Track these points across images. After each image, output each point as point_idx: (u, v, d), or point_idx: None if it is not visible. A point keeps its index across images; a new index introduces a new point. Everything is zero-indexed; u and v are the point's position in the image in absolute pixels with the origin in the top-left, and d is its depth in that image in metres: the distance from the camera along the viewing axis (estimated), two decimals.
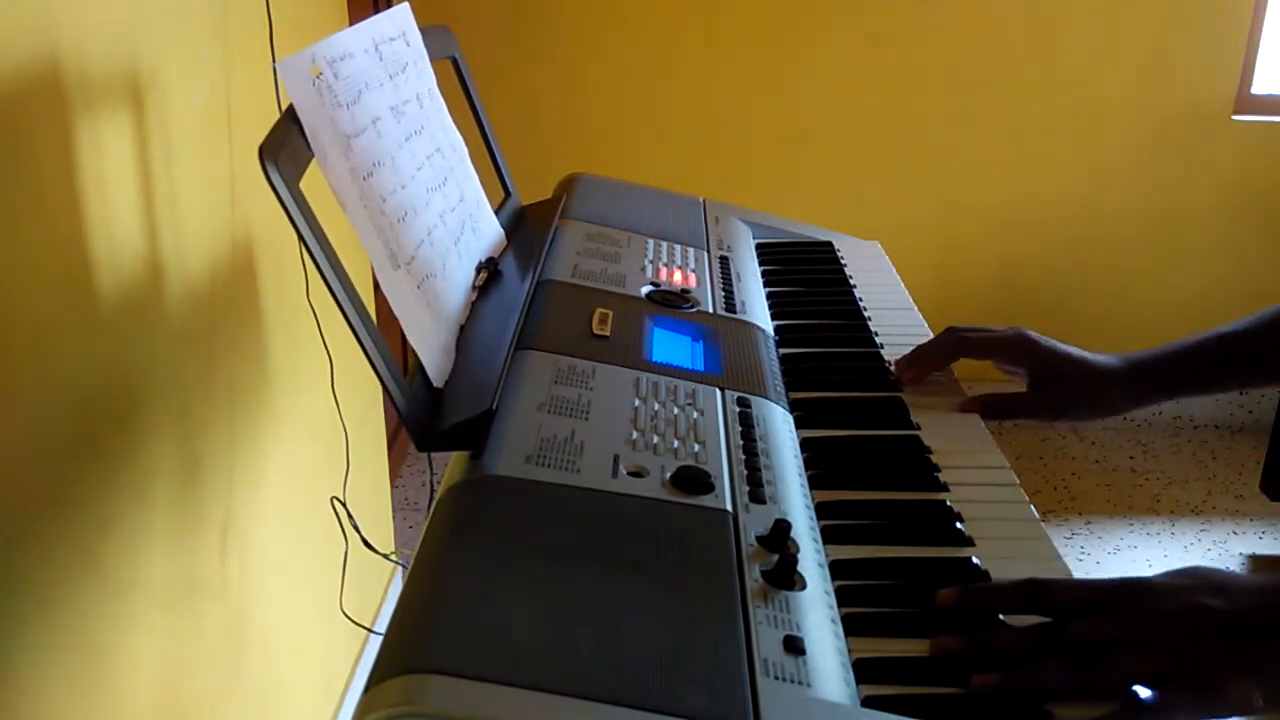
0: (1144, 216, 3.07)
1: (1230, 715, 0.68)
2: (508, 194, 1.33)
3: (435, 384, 0.87)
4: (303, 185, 0.79)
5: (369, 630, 1.98)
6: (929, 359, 1.08)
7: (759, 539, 0.76)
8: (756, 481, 0.83)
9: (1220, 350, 1.04)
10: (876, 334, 1.19)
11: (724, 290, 1.20)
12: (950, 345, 1.08)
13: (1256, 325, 1.04)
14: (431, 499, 0.93)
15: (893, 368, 1.10)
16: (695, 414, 0.90)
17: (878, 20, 2.88)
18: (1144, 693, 0.68)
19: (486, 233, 1.16)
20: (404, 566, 2.11)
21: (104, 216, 1.09)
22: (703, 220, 1.42)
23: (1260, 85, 2.99)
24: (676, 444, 0.85)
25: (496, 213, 1.22)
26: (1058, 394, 1.05)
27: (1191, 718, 0.68)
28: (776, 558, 0.73)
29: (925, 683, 0.69)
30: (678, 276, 1.20)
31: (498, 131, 1.33)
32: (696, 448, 0.85)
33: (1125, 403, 1.05)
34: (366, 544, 1.70)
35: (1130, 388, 1.04)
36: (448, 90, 1.18)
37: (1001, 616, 0.74)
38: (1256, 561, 2.65)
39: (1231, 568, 2.60)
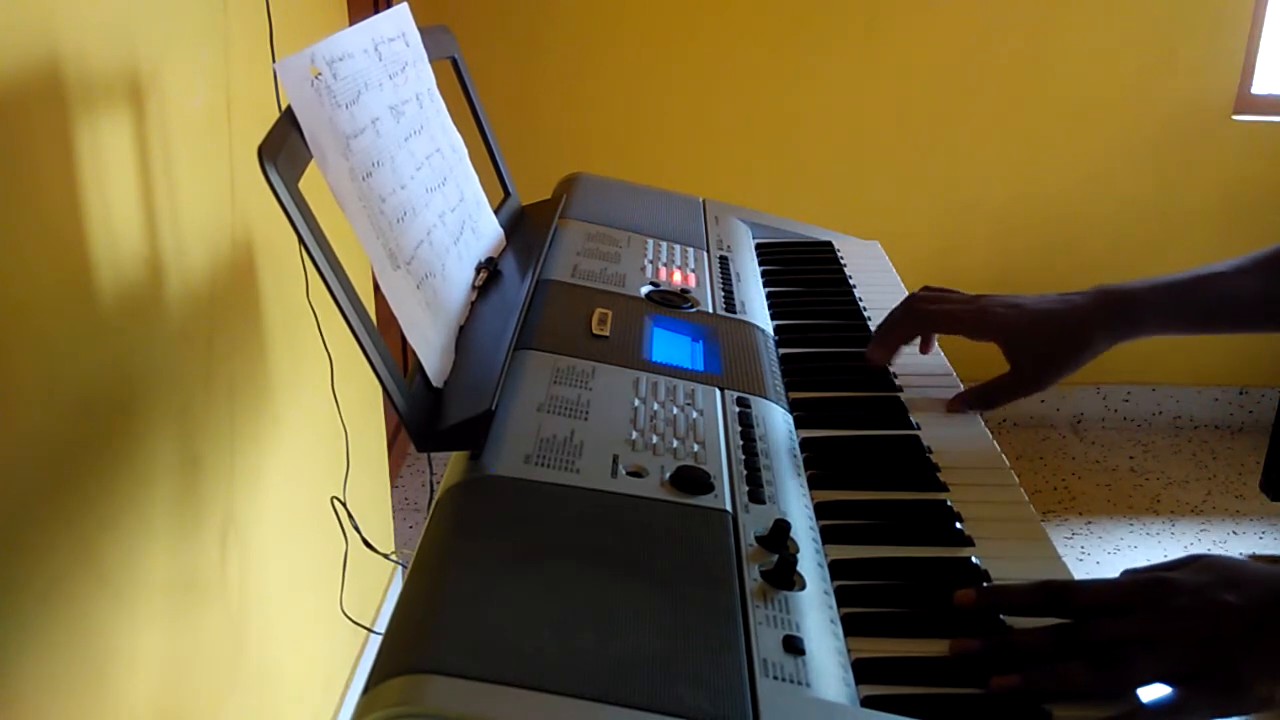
0: (1144, 216, 3.07)
1: (1250, 712, 0.68)
2: (507, 194, 1.33)
3: (435, 384, 0.87)
4: (303, 185, 0.79)
5: (369, 630, 1.98)
6: (892, 336, 1.07)
7: (758, 539, 0.76)
8: (756, 481, 0.83)
9: (1199, 289, 1.01)
10: None
11: (724, 290, 1.20)
12: (912, 324, 1.07)
13: (1240, 266, 1.01)
14: (431, 499, 0.93)
15: (893, 369, 1.10)
16: (695, 414, 0.90)
17: (878, 20, 2.88)
18: (1163, 690, 0.68)
19: (486, 233, 1.16)
20: (404, 566, 2.11)
21: (104, 216, 1.09)
22: (702, 220, 1.42)
23: (1260, 85, 2.99)
24: (676, 444, 0.85)
25: (496, 213, 1.22)
26: (1034, 361, 1.02)
27: (1213, 715, 0.68)
28: (776, 558, 0.73)
29: (925, 683, 0.69)
30: (677, 276, 1.20)
31: (498, 131, 1.33)
32: (696, 448, 0.85)
33: (1104, 343, 1.00)
34: (366, 544, 1.70)
35: (1107, 326, 1.00)
36: (447, 90, 1.18)
37: (1004, 618, 0.74)
38: (1257, 561, 2.65)
39: None
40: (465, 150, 1.18)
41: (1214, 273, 1.02)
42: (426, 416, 0.83)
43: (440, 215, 1.02)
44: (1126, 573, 0.76)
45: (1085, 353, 1.01)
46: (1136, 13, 2.88)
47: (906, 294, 1.31)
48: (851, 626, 0.73)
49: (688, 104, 2.95)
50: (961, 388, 1.09)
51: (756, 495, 0.81)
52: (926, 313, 1.07)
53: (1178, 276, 1.02)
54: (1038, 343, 1.02)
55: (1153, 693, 0.68)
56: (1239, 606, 0.69)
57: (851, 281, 1.33)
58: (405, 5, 1.12)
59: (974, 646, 0.71)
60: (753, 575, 0.72)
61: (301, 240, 0.77)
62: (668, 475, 0.80)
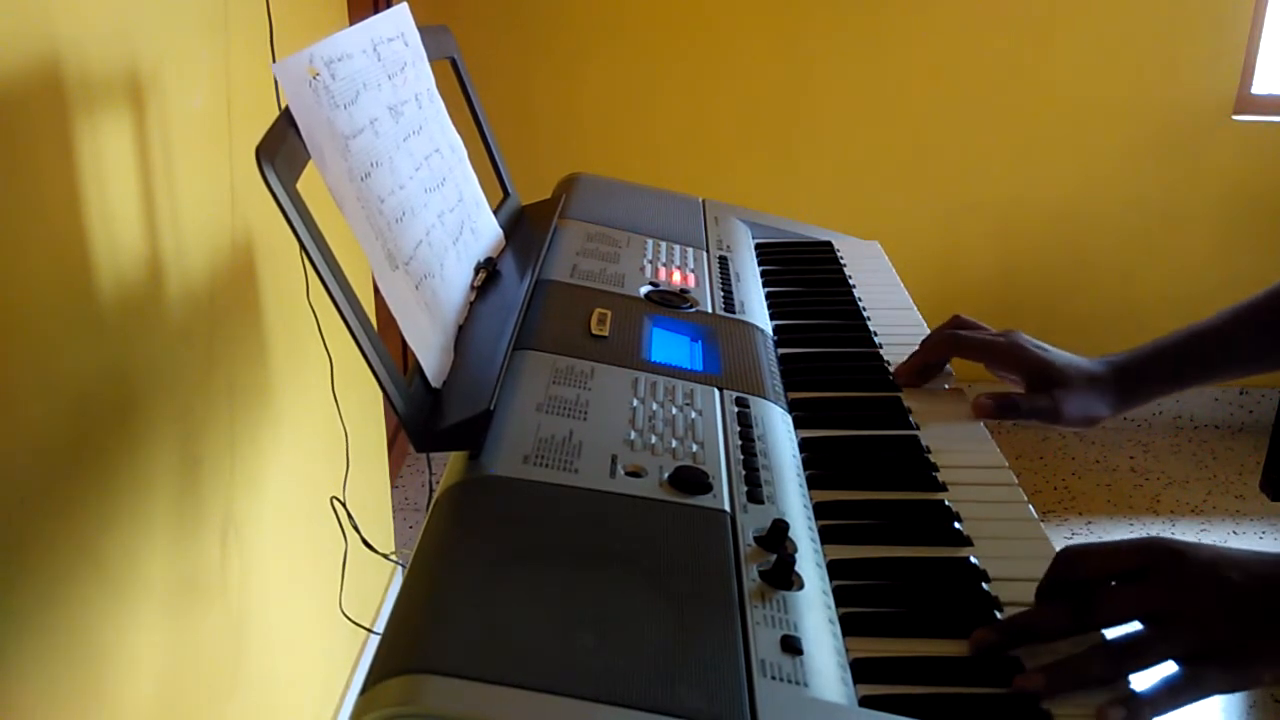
0: (1144, 216, 3.07)
1: (1251, 688, 0.70)
2: (507, 194, 1.33)
3: (433, 384, 0.87)
4: (302, 185, 0.79)
5: (368, 630, 1.98)
6: (924, 357, 1.09)
7: (757, 539, 0.76)
8: (755, 481, 0.83)
9: (1193, 348, 1.06)
10: (876, 334, 1.19)
11: (723, 290, 1.20)
12: (944, 346, 1.09)
13: (1226, 320, 1.06)
14: (431, 499, 0.93)
15: (893, 369, 1.10)
16: (694, 414, 0.90)
17: (878, 20, 2.88)
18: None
19: (485, 233, 1.16)
20: (404, 566, 2.11)
21: (104, 217, 1.09)
22: (702, 220, 1.42)
23: (1260, 85, 2.98)
24: (675, 444, 0.85)
25: (496, 213, 1.22)
26: (1055, 394, 1.05)
27: (1215, 693, 0.69)
28: (774, 557, 0.73)
29: (923, 682, 0.69)
30: (677, 276, 1.20)
31: (497, 132, 1.33)
32: (695, 448, 0.85)
33: (1110, 410, 1.06)
34: (366, 544, 1.70)
35: (1117, 392, 1.05)
36: (447, 91, 1.18)
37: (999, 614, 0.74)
38: None
39: None
40: (464, 150, 1.18)
41: (1207, 328, 1.06)
42: (425, 417, 0.83)
43: (439, 215, 1.02)
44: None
45: (1090, 411, 1.05)
46: (1136, 13, 2.87)
47: (906, 293, 1.32)
48: (850, 626, 0.73)
49: (688, 104, 2.95)
50: (960, 388, 1.09)
51: (755, 495, 0.81)
52: (959, 339, 1.08)
53: (1174, 338, 1.06)
54: (1061, 388, 1.04)
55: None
56: (1243, 586, 0.71)
57: (851, 281, 1.33)
58: (405, 5, 1.12)
59: (992, 638, 0.72)
60: (751, 575, 0.72)
61: (300, 241, 0.77)
62: (666, 475, 0.80)
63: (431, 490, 1.23)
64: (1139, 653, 0.70)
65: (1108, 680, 0.69)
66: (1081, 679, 0.69)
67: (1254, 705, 2.22)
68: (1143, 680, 0.69)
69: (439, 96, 1.15)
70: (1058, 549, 0.83)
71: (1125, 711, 0.66)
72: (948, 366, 1.12)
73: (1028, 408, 1.04)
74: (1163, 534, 2.76)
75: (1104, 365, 1.06)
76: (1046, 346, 1.07)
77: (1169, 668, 0.70)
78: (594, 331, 1.01)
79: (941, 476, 0.92)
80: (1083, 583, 0.74)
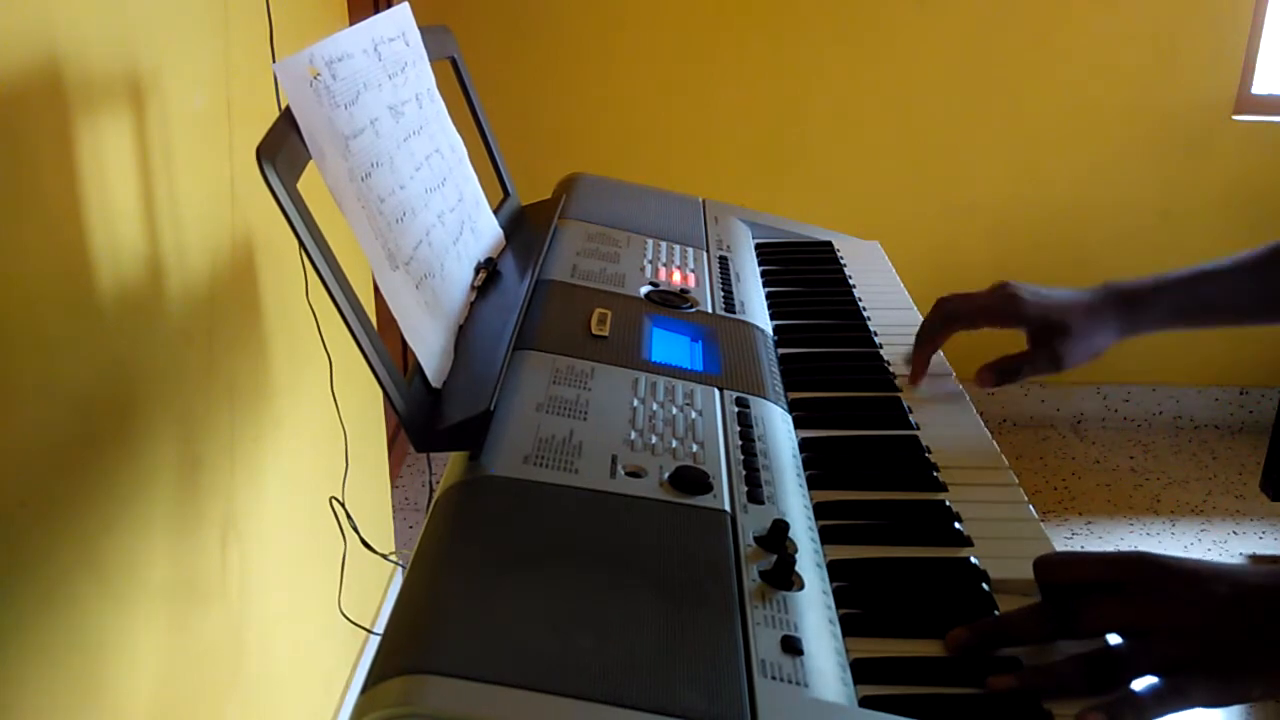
0: (1144, 216, 3.06)
1: (1237, 703, 0.69)
2: (507, 194, 1.33)
3: (434, 384, 0.88)
4: (303, 185, 0.79)
5: (368, 630, 1.98)
6: (925, 345, 1.09)
7: (757, 539, 0.76)
8: (755, 482, 0.83)
9: (1200, 286, 1.06)
10: (876, 334, 1.19)
11: (723, 290, 1.20)
12: (941, 324, 1.09)
13: (1238, 264, 1.06)
14: (431, 499, 0.93)
15: (893, 368, 1.10)
16: (694, 414, 0.90)
17: (878, 20, 2.88)
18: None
19: (485, 233, 1.16)
20: (403, 567, 2.11)
21: (104, 216, 1.09)
22: (702, 220, 1.42)
23: (1260, 85, 2.98)
24: (675, 444, 0.85)
25: (496, 213, 1.23)
26: (1056, 346, 1.05)
27: (1200, 705, 0.68)
28: (774, 558, 0.73)
29: (923, 682, 0.69)
30: (677, 276, 1.20)
31: (497, 132, 1.33)
32: (695, 448, 0.85)
33: (1109, 339, 1.06)
34: (365, 544, 1.70)
35: (1120, 317, 1.06)
36: (447, 91, 1.18)
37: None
38: (1256, 561, 2.65)
39: None
40: (465, 150, 1.18)
41: (1213, 270, 1.07)
42: (425, 417, 0.83)
43: (439, 215, 1.02)
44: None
45: (1095, 346, 1.06)
46: (1136, 13, 2.87)
47: (906, 293, 1.32)
48: (850, 627, 0.73)
49: (688, 104, 2.95)
50: (960, 388, 1.09)
51: (755, 495, 0.81)
52: (954, 313, 1.09)
53: (1179, 274, 1.07)
54: (1063, 330, 1.05)
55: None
56: (1228, 599, 0.70)
57: (851, 281, 1.33)
58: (405, 5, 1.12)
59: (965, 638, 0.71)
60: (751, 575, 0.72)
61: (300, 241, 0.77)
62: (666, 475, 0.80)
63: (431, 490, 1.23)
64: (1114, 668, 0.69)
65: (1077, 693, 0.68)
66: (1051, 688, 0.68)
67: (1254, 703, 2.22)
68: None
69: (439, 96, 1.15)
70: (1057, 549, 0.84)
71: (1106, 716, 0.65)
72: (947, 367, 1.12)
73: (1029, 369, 1.05)
74: (1163, 534, 2.76)
75: (1101, 292, 1.06)
76: (1041, 290, 1.07)
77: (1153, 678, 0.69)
78: (594, 331, 1.01)
79: (941, 476, 0.92)
80: (1066, 589, 0.74)
